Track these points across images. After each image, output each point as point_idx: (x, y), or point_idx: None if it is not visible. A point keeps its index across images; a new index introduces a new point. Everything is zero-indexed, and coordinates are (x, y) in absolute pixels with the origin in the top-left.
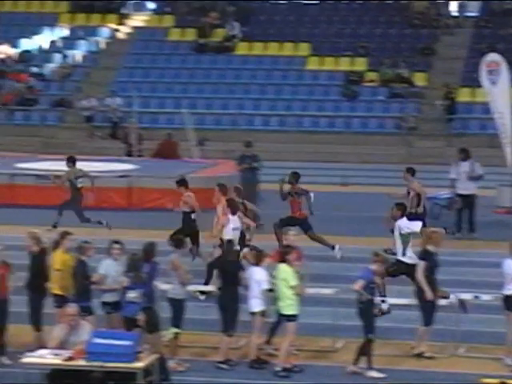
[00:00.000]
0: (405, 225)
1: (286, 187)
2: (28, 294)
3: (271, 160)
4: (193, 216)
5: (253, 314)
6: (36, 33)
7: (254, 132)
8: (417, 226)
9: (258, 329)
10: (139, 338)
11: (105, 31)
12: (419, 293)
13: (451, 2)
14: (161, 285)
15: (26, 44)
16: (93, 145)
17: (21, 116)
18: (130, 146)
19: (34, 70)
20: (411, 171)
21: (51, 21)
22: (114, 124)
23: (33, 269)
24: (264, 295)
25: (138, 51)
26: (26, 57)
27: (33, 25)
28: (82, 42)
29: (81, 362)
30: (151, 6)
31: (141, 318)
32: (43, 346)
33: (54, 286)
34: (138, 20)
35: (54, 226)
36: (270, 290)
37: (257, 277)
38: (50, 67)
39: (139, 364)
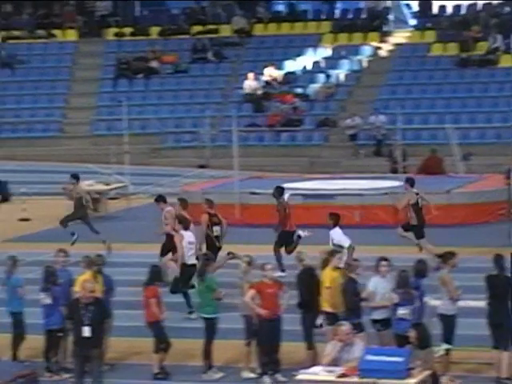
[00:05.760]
0: (336, 236)
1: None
2: (300, 313)
3: None
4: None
5: None
6: (299, 54)
7: None
8: (345, 241)
9: None
10: (411, 354)
11: (367, 49)
12: None
13: None
14: (431, 301)
15: (290, 65)
16: (357, 163)
17: (286, 137)
18: (395, 162)
19: (299, 90)
20: (410, 182)
21: (314, 42)
22: (378, 141)
23: (301, 288)
24: None
25: (400, 68)
26: (290, 78)
27: (296, 46)
28: (345, 61)
29: (354, 379)
30: (412, 22)
31: (412, 334)
32: (316, 363)
33: (325, 304)
34: (399, 37)
35: (73, 234)
36: None
37: None
38: (313, 87)
39: (412, 380)
